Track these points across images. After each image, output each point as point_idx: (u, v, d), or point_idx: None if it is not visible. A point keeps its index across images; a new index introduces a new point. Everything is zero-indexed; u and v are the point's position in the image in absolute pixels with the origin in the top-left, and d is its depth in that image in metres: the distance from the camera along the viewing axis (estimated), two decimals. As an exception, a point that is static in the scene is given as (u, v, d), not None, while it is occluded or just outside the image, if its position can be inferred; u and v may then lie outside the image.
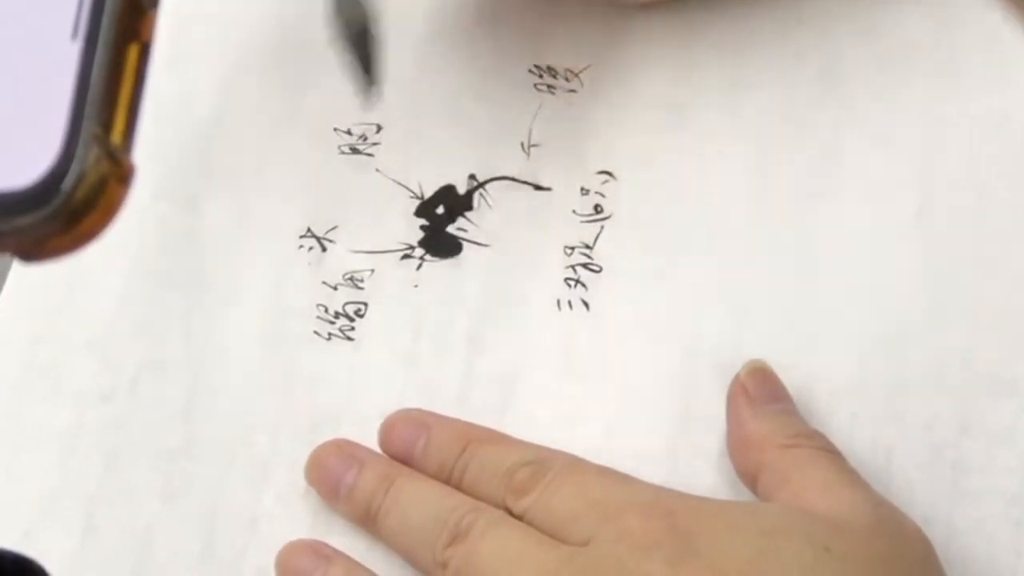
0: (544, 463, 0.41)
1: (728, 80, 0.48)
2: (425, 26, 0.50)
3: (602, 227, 0.47)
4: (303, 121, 0.49)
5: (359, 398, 0.45)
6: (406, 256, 0.47)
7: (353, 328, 0.46)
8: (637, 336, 0.45)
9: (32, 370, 0.46)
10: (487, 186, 0.48)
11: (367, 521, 0.42)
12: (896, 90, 0.48)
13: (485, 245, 0.47)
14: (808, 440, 0.40)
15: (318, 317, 0.46)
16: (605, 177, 0.47)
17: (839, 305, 0.44)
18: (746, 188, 0.46)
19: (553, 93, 0.49)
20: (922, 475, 0.42)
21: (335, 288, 0.47)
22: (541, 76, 0.49)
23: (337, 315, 0.46)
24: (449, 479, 0.42)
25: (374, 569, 0.42)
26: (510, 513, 0.40)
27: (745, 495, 0.41)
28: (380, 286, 0.46)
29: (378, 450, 0.44)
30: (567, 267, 0.46)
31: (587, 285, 0.46)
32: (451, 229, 0.47)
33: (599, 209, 0.47)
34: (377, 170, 0.48)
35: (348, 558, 0.42)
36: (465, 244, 0.47)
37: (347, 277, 0.47)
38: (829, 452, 0.40)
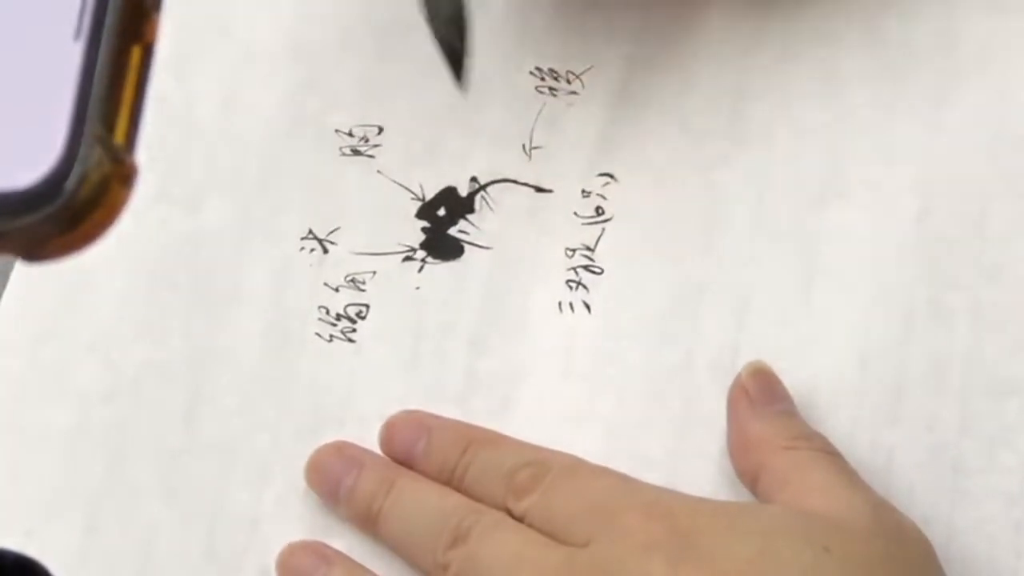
0: (544, 464, 0.41)
1: (730, 83, 0.48)
2: (427, 28, 0.50)
3: (603, 229, 0.47)
4: (305, 123, 0.49)
5: (360, 400, 0.45)
6: (408, 258, 0.47)
7: (354, 330, 0.46)
8: (638, 338, 0.45)
9: (35, 370, 0.46)
10: (489, 188, 0.48)
11: (367, 523, 0.42)
12: (897, 96, 0.47)
13: (486, 247, 0.47)
14: (808, 442, 0.40)
15: (319, 319, 0.46)
16: (606, 179, 0.47)
17: (840, 307, 0.44)
18: (747, 191, 0.47)
19: (555, 95, 0.49)
20: (922, 476, 0.42)
21: (336, 290, 0.47)
22: (543, 78, 0.49)
23: (339, 317, 0.46)
24: (450, 481, 0.42)
25: (375, 570, 0.42)
26: (511, 514, 0.40)
27: (745, 496, 0.41)
28: (382, 288, 0.47)
29: (379, 452, 0.44)
30: (568, 269, 0.46)
31: (588, 287, 0.46)
32: (453, 231, 0.47)
33: (600, 211, 0.47)
34: (379, 172, 0.48)
35: (348, 559, 0.42)
36: (466, 246, 0.47)
37: (348, 279, 0.47)
38: (829, 453, 0.40)
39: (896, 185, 0.46)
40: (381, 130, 0.49)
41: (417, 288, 0.46)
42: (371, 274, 0.47)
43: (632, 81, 0.49)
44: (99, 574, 0.43)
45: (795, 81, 0.48)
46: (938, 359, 0.43)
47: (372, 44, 0.51)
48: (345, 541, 0.43)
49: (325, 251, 0.47)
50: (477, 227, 0.47)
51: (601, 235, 0.46)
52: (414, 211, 0.48)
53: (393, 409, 0.44)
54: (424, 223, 0.47)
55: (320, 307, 0.46)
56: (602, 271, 0.46)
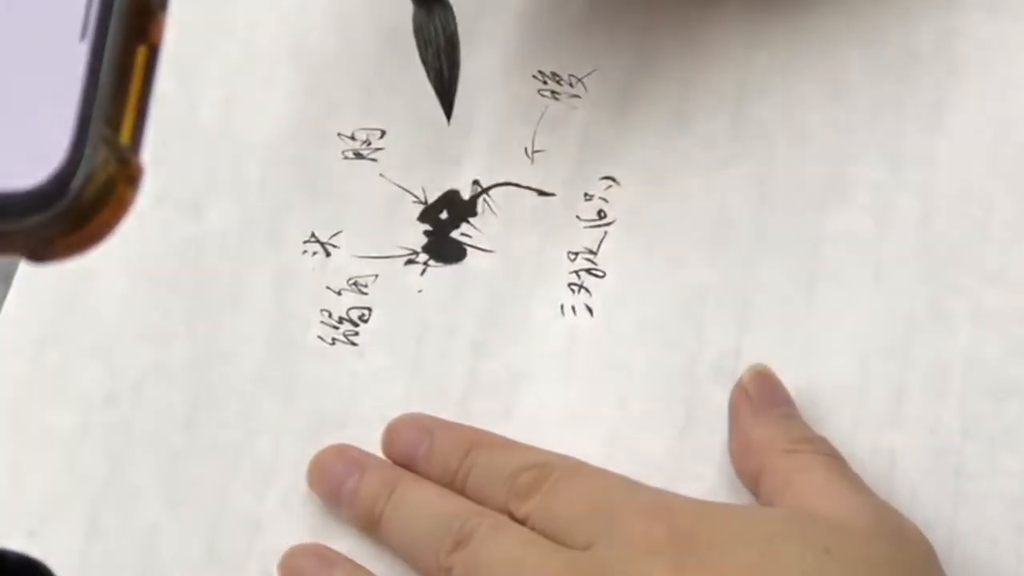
0: (547, 467, 0.41)
1: (732, 87, 0.48)
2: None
3: (606, 232, 0.47)
4: (307, 126, 0.49)
5: (362, 403, 0.45)
6: (410, 261, 0.47)
7: (357, 333, 0.46)
8: (641, 341, 0.45)
9: (37, 372, 0.46)
10: (491, 191, 0.48)
11: (369, 525, 0.42)
12: (898, 99, 0.48)
13: (489, 251, 0.47)
14: (810, 444, 0.41)
15: (322, 322, 0.46)
16: (609, 183, 0.47)
17: (841, 310, 0.44)
18: (749, 194, 0.47)
19: (557, 99, 0.49)
20: (924, 479, 0.42)
21: (339, 293, 0.47)
22: (545, 82, 0.49)
23: (341, 320, 0.46)
24: (452, 484, 0.42)
25: (377, 573, 0.42)
26: (513, 517, 0.40)
27: (747, 499, 0.41)
28: (384, 291, 0.47)
29: (381, 455, 0.44)
30: (571, 272, 0.46)
31: (591, 290, 0.46)
32: (455, 234, 0.47)
33: (603, 214, 0.47)
34: (381, 175, 0.48)
35: (350, 562, 0.42)
36: (469, 249, 0.47)
37: (351, 282, 0.47)
38: (831, 456, 0.40)
39: (897, 188, 0.46)
40: (383, 133, 0.49)
41: (419, 291, 0.46)
42: (373, 277, 0.47)
43: (634, 85, 0.49)
44: (102, 576, 0.43)
45: (796, 85, 0.48)
46: (940, 362, 0.43)
47: (375, 47, 0.51)
48: (347, 543, 0.43)
49: (327, 254, 0.47)
50: (479, 230, 0.47)
51: (603, 238, 0.47)
52: (416, 214, 0.48)
53: (395, 412, 0.44)
54: (426, 226, 0.47)
55: (322, 310, 0.46)
56: (604, 274, 0.46)
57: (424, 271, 0.47)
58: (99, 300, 0.47)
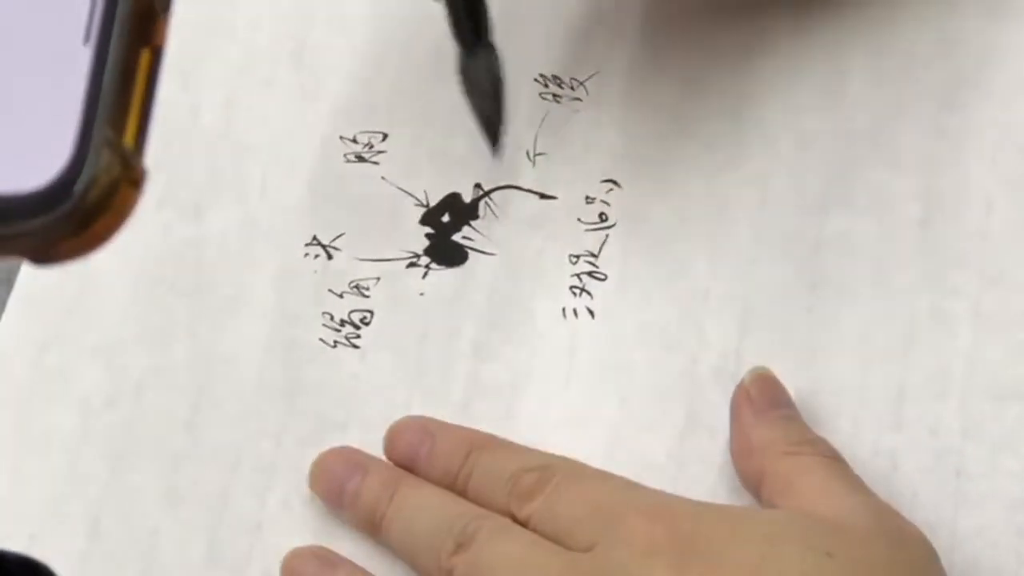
0: (548, 469, 0.41)
1: (732, 90, 0.48)
2: (432, 36, 0.50)
3: (607, 235, 0.47)
4: (309, 129, 0.50)
5: (364, 405, 0.45)
6: (412, 264, 0.47)
7: (359, 336, 0.46)
8: (642, 343, 0.45)
9: (39, 375, 0.46)
10: (493, 195, 0.48)
11: (371, 528, 0.42)
12: (899, 102, 0.48)
13: (491, 254, 0.47)
14: (811, 447, 0.41)
15: (324, 325, 0.46)
16: (610, 186, 0.47)
17: (842, 312, 0.44)
18: (750, 197, 0.47)
19: (558, 102, 0.49)
20: (925, 480, 0.42)
21: (341, 296, 0.47)
22: (546, 85, 0.49)
23: (343, 323, 0.46)
24: (453, 486, 0.42)
25: (379, 575, 0.42)
26: (514, 519, 0.40)
27: (748, 501, 0.41)
28: (386, 294, 0.47)
29: (382, 457, 0.44)
30: (572, 275, 0.46)
31: (592, 293, 0.46)
32: (457, 237, 0.47)
33: (604, 217, 0.47)
34: (383, 178, 0.48)
35: (352, 564, 0.42)
36: (471, 252, 0.47)
37: (353, 285, 0.47)
38: (832, 459, 0.40)
39: (898, 191, 0.46)
40: (385, 136, 0.49)
41: (421, 294, 0.46)
42: (375, 280, 0.47)
43: (636, 88, 0.49)
44: (103, 578, 0.43)
45: (797, 88, 0.48)
46: (940, 364, 0.43)
47: (377, 51, 0.51)
48: (349, 546, 0.43)
49: (329, 257, 0.47)
50: (481, 233, 0.47)
51: (605, 241, 0.47)
52: (418, 217, 0.48)
53: (397, 414, 0.44)
54: (428, 229, 0.48)
55: (324, 313, 0.46)
56: (606, 277, 0.46)
57: (426, 274, 0.47)
58: (100, 302, 0.47)
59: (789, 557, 0.36)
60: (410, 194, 0.48)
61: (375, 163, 0.49)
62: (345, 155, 0.49)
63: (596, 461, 0.42)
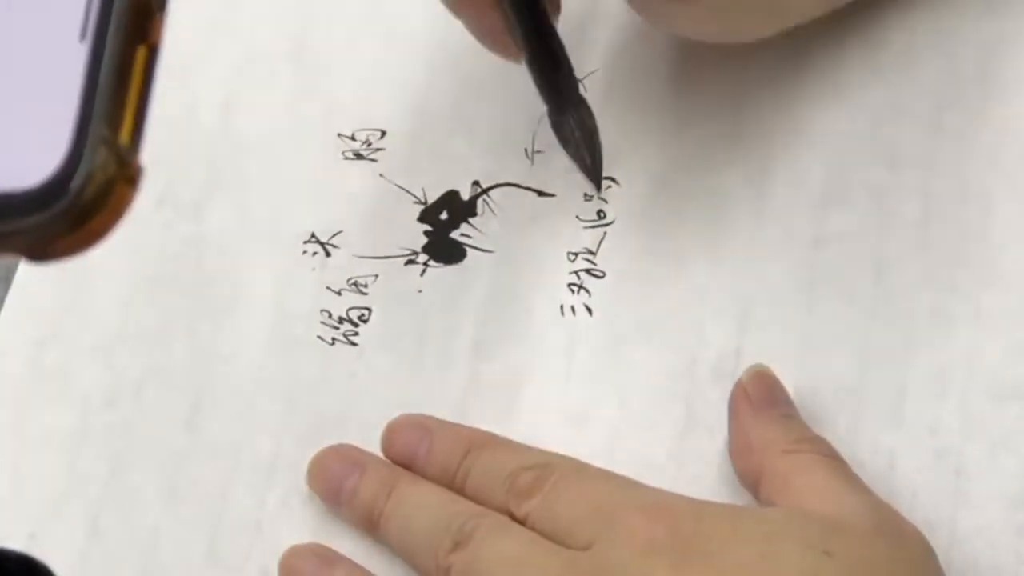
0: (547, 467, 0.41)
1: (731, 88, 0.48)
2: (430, 33, 0.50)
3: (605, 233, 0.47)
4: (307, 127, 0.50)
5: (362, 403, 0.45)
6: (410, 262, 0.47)
7: (357, 333, 0.46)
8: (640, 341, 0.45)
9: (38, 373, 0.46)
10: (491, 192, 0.48)
11: (369, 526, 0.42)
12: (898, 99, 0.48)
13: (489, 251, 0.47)
14: (810, 445, 0.40)
15: (322, 322, 0.46)
16: (608, 183, 0.47)
17: (841, 310, 0.44)
18: (749, 195, 0.47)
19: (557, 99, 0.49)
20: (924, 480, 0.42)
21: (339, 293, 0.47)
22: (545, 82, 0.49)
23: (341, 320, 0.46)
24: (451, 484, 0.42)
25: (377, 573, 0.42)
26: (513, 517, 0.40)
27: (747, 499, 0.41)
28: (384, 291, 0.47)
29: (381, 455, 0.44)
30: (571, 273, 0.46)
31: (590, 291, 0.46)
32: (455, 235, 0.47)
33: (602, 215, 0.47)
34: (381, 175, 0.48)
35: (351, 562, 0.42)
36: (469, 250, 0.47)
37: (351, 282, 0.47)
38: (831, 457, 0.40)
39: (897, 189, 0.46)
40: (383, 134, 0.49)
41: (419, 291, 0.46)
42: (373, 277, 0.47)
43: (635, 85, 0.49)
44: (102, 577, 0.43)
45: (796, 85, 0.48)
46: (939, 363, 0.43)
47: (375, 48, 0.51)
48: (347, 543, 0.43)
49: (327, 254, 0.47)
50: (479, 230, 0.47)
51: (603, 239, 0.47)
52: (416, 214, 0.48)
53: (395, 412, 0.44)
54: (426, 226, 0.47)
55: (322, 310, 0.46)
56: (604, 275, 0.46)
57: (424, 271, 0.47)
58: (99, 300, 0.47)
59: (788, 556, 0.36)
60: (408, 191, 0.48)
61: (373, 161, 0.49)
62: (343, 152, 0.49)
63: (595, 459, 0.42)
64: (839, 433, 0.42)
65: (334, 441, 0.44)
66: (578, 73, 0.49)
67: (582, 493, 0.40)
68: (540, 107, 0.47)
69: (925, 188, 0.46)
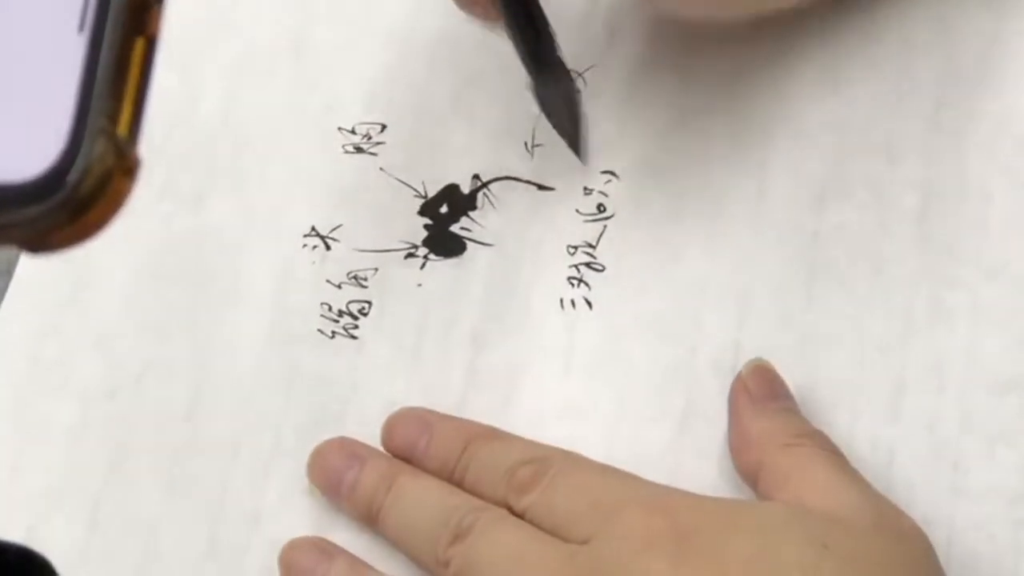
0: (546, 461, 0.41)
1: (730, 82, 0.48)
2: (431, 27, 0.50)
3: (605, 226, 0.47)
4: (307, 120, 0.50)
5: (362, 396, 0.45)
6: (410, 255, 0.47)
7: (357, 326, 0.46)
8: (639, 335, 0.45)
9: (38, 365, 0.46)
10: (491, 185, 0.48)
11: (369, 518, 0.42)
12: (896, 93, 0.48)
13: (489, 244, 0.47)
14: (809, 439, 0.41)
15: (322, 315, 0.46)
16: (608, 177, 0.47)
17: (840, 304, 0.44)
18: (748, 189, 0.47)
19: (557, 93, 0.49)
20: (922, 473, 0.42)
21: (339, 287, 0.47)
22: (545, 76, 0.49)
23: (341, 313, 0.46)
24: (451, 477, 0.42)
25: (377, 566, 0.42)
26: (512, 511, 0.40)
27: (746, 493, 0.41)
28: (384, 285, 0.47)
29: (380, 448, 0.44)
30: (570, 266, 0.46)
31: (590, 284, 0.46)
32: (455, 228, 0.47)
33: (602, 208, 0.47)
34: (381, 169, 0.48)
35: (351, 555, 0.42)
36: (469, 243, 0.47)
37: (351, 276, 0.47)
38: (830, 451, 0.40)
39: (896, 183, 0.46)
40: (384, 127, 0.49)
41: (419, 285, 0.46)
42: (373, 271, 0.47)
43: (634, 79, 0.49)
44: (101, 570, 0.43)
45: (795, 79, 0.48)
46: (938, 357, 0.43)
47: (375, 41, 0.51)
48: (347, 537, 0.43)
49: (328, 248, 0.47)
50: (479, 224, 0.47)
51: (603, 232, 0.47)
52: (416, 208, 0.48)
53: (395, 405, 0.44)
54: (426, 220, 0.48)
55: (322, 303, 0.46)
56: (604, 268, 0.46)
57: (424, 265, 0.47)
58: (100, 293, 0.47)
59: (786, 550, 0.36)
60: (408, 185, 0.48)
61: (373, 154, 0.49)
62: (343, 146, 0.49)
63: (593, 452, 0.42)
64: (838, 427, 0.42)
65: (334, 434, 0.44)
66: (577, 67, 0.49)
67: (580, 487, 0.40)
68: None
69: (924, 181, 0.46)
